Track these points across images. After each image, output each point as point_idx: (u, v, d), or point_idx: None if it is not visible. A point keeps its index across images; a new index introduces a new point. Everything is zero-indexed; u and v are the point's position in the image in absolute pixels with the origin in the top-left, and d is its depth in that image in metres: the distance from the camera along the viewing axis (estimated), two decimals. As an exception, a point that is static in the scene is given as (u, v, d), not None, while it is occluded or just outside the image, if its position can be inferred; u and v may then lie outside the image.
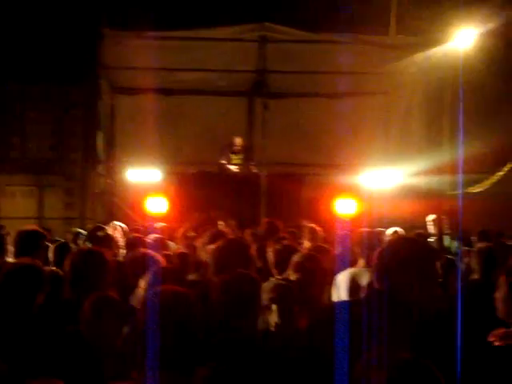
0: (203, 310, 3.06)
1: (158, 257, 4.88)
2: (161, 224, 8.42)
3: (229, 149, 12.85)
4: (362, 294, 3.57)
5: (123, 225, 8.30)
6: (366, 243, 5.59)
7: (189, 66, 12.59)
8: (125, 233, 7.69)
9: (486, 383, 2.91)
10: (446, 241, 8.86)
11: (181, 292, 2.68)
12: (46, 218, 22.27)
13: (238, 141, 12.95)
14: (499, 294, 3.19)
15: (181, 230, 8.30)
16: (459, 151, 12.34)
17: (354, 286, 5.03)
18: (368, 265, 5.39)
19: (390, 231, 8.58)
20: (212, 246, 4.71)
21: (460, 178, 12.14)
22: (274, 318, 3.76)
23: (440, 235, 7.40)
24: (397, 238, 3.72)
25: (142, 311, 2.60)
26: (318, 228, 7.67)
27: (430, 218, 9.44)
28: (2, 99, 23.94)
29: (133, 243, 6.42)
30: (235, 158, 12.88)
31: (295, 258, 4.68)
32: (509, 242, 7.55)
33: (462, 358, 2.90)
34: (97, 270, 4.10)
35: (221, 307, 3.22)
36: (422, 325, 2.88)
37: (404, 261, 2.79)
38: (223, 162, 12.79)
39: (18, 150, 25.41)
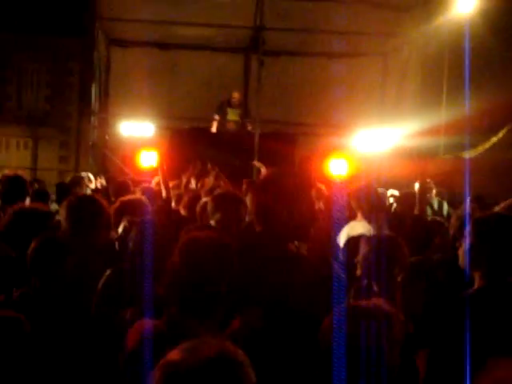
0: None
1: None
2: (156, 177, 8.44)
3: (227, 104, 12.86)
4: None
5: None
6: (363, 198, 5.76)
7: (185, 20, 12.47)
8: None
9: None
10: (435, 203, 8.89)
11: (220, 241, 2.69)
12: (40, 169, 22.32)
13: (236, 95, 12.97)
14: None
15: (183, 180, 8.34)
16: (455, 113, 12.34)
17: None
18: (364, 217, 5.65)
19: (388, 192, 8.68)
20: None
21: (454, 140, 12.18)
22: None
23: (423, 198, 7.43)
24: None
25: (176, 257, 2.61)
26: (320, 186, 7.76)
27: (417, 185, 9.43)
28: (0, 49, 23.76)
29: (121, 188, 6.50)
30: (232, 112, 12.88)
31: None
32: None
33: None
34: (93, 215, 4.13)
35: None
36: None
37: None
38: (217, 118, 12.80)
39: (14, 101, 25.32)
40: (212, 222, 4.56)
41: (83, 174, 9.07)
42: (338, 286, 2.71)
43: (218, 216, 4.51)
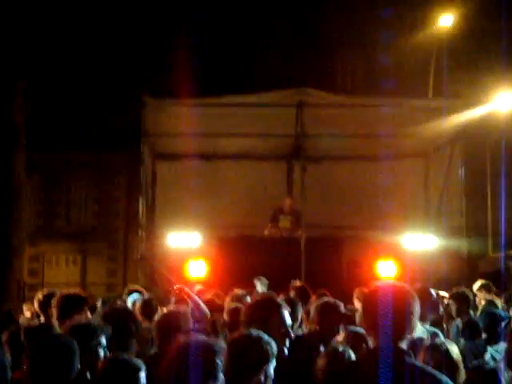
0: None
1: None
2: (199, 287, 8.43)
3: (279, 211, 12.96)
4: None
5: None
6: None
7: (228, 131, 12.78)
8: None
9: None
10: (499, 304, 8.63)
11: None
12: (89, 284, 22.53)
13: (288, 202, 13.07)
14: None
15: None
16: (501, 213, 12.23)
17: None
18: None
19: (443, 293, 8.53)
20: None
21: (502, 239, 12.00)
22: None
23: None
24: None
25: None
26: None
27: (476, 285, 9.25)
28: (48, 169, 24.58)
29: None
30: (284, 219, 12.94)
31: None
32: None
33: None
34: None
35: None
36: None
37: None
38: (269, 225, 12.90)
39: (63, 218, 25.94)
40: None
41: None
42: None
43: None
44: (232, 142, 13.53)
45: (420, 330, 5.35)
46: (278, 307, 4.20)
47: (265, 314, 4.13)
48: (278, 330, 4.04)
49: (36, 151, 18.37)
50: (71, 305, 5.48)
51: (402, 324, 3.12)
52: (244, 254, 11.48)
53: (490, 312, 7.06)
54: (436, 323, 6.81)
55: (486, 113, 12.15)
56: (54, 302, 5.59)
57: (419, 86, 17.06)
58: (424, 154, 14.27)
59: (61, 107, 22.28)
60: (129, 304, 7.66)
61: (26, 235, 17.35)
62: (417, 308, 3.24)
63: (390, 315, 3.06)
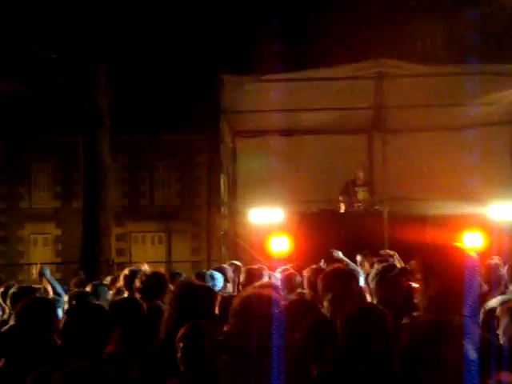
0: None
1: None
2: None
3: (352, 184, 12.92)
4: None
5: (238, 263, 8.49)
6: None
7: (307, 106, 12.72)
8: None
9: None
10: None
11: None
12: (174, 262, 22.97)
13: (361, 174, 13.10)
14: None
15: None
16: None
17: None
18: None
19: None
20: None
21: None
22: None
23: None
24: None
25: None
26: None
27: None
28: (132, 150, 25.12)
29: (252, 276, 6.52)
30: (362, 192, 12.91)
31: None
32: None
33: None
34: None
35: None
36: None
37: None
38: (341, 199, 12.87)
39: (147, 198, 26.50)
40: (325, 304, 4.37)
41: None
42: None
43: (329, 296, 4.34)
44: (312, 117, 13.45)
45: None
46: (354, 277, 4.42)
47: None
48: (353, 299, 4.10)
49: (120, 133, 18.76)
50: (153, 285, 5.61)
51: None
52: (326, 228, 11.46)
53: None
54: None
55: None
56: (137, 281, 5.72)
57: (503, 51, 16.49)
58: (510, 121, 13.82)
59: (142, 90, 22.64)
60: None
61: (112, 216, 17.80)
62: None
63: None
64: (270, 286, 5.06)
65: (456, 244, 3.11)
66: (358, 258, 9.02)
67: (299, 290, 6.40)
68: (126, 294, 6.21)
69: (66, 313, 4.43)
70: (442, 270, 2.94)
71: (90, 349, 3.55)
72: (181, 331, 3.73)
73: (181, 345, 3.67)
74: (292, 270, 7.30)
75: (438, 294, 2.90)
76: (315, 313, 4.02)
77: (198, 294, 4.20)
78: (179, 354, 3.65)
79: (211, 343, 3.66)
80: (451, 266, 2.93)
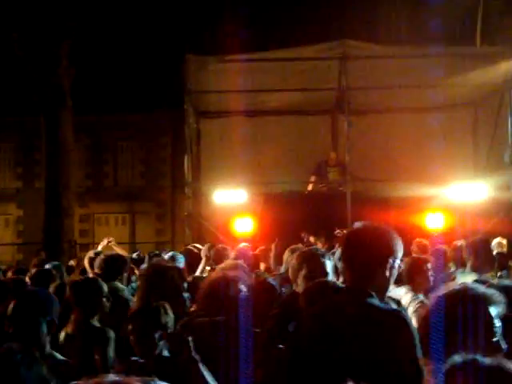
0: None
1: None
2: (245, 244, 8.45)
3: (325, 164, 13.03)
4: None
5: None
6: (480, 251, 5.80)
7: (270, 86, 12.69)
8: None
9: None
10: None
11: None
12: (138, 243, 22.85)
13: (333, 155, 13.33)
14: None
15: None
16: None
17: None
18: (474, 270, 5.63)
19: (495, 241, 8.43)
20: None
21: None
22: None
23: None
24: None
25: None
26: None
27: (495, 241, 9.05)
28: (95, 131, 24.86)
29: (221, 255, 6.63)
30: (333, 172, 13.02)
31: None
32: None
33: None
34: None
35: None
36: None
37: None
38: (313, 179, 12.99)
39: (111, 179, 26.28)
40: (299, 280, 4.50)
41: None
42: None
43: (304, 272, 4.46)
44: (275, 98, 13.43)
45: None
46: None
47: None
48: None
49: (83, 114, 18.53)
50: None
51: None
52: (290, 209, 11.48)
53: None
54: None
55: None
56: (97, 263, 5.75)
57: (467, 34, 16.61)
58: (472, 103, 13.96)
59: (105, 69, 22.38)
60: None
61: (75, 196, 17.62)
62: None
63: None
64: (237, 266, 5.12)
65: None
66: (311, 238, 9.14)
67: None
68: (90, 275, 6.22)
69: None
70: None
71: (37, 333, 3.49)
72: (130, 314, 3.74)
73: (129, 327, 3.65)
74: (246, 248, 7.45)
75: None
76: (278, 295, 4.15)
77: (166, 274, 4.22)
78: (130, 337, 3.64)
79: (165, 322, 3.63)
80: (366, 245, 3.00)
